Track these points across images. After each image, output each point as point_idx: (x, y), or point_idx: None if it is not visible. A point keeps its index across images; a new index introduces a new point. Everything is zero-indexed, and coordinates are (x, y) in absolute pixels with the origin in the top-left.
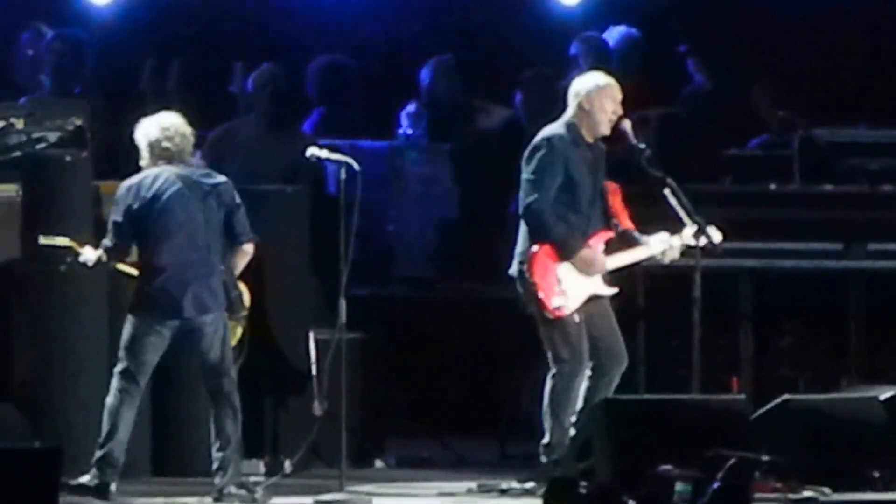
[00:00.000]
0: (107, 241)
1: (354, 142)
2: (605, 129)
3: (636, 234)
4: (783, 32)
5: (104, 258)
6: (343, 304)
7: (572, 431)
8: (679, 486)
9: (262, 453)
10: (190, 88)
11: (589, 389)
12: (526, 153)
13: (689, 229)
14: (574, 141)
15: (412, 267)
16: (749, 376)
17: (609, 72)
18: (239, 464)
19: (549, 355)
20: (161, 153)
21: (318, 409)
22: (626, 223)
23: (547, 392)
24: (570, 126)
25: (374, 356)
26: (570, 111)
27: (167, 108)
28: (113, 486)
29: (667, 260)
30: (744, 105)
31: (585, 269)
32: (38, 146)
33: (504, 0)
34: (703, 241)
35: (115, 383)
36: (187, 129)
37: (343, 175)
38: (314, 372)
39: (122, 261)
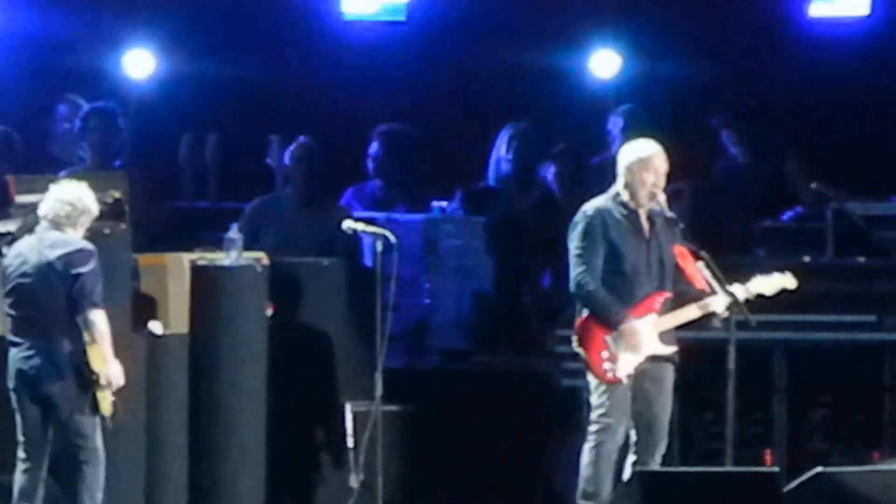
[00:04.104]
0: None
1: (390, 214)
2: (645, 201)
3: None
4: (816, 105)
5: None
6: (380, 376)
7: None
8: None
9: None
10: (226, 161)
11: (634, 463)
12: (570, 227)
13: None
14: (619, 210)
15: (447, 339)
16: (782, 449)
17: None
18: None
19: (592, 409)
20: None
21: (354, 481)
22: (701, 285)
23: (585, 446)
24: (616, 196)
25: (410, 428)
26: (619, 180)
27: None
28: None
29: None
30: (777, 177)
31: (628, 342)
32: None
33: (539, 74)
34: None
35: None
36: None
37: (379, 247)
38: (350, 445)
39: None
